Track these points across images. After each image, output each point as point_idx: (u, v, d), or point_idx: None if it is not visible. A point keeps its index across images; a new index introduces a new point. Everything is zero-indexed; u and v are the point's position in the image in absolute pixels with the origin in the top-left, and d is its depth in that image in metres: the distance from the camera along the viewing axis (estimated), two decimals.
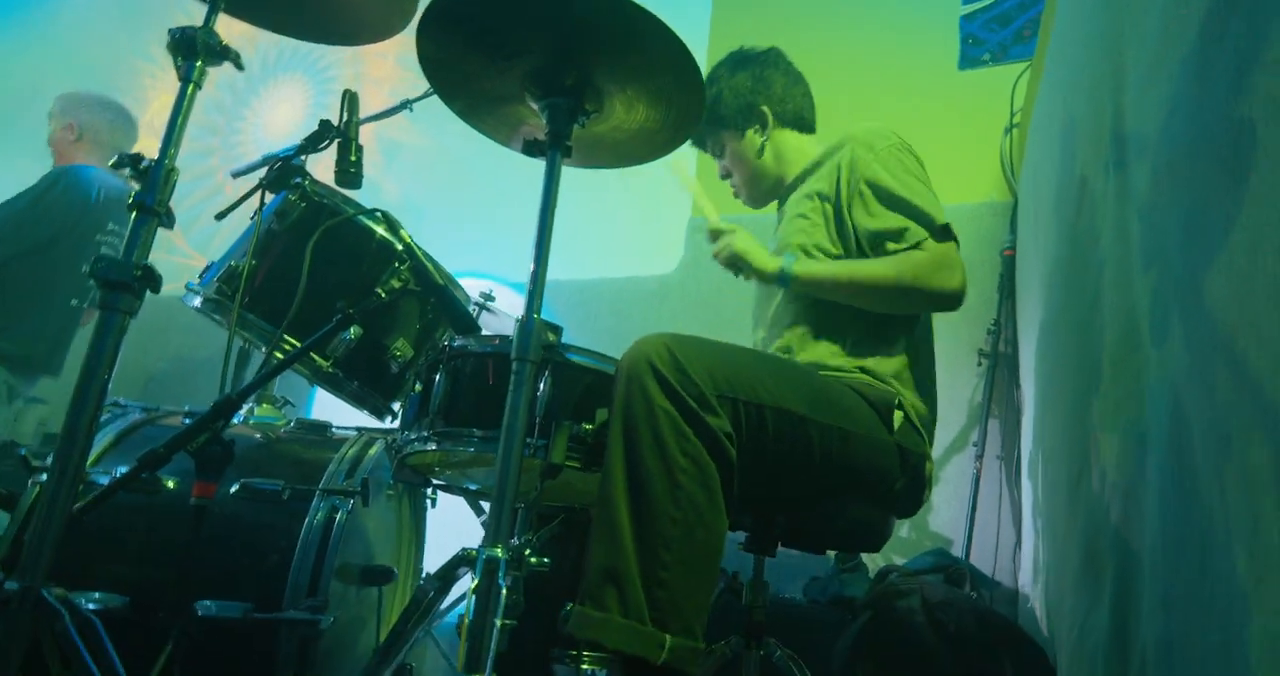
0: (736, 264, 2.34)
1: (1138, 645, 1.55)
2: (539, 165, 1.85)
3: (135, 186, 1.71)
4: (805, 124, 2.78)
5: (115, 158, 1.77)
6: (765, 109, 2.71)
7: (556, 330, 1.78)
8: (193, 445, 1.80)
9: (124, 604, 1.87)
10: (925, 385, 2.40)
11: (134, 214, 1.70)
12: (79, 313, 4.14)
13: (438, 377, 1.96)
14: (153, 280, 1.67)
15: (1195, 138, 1.22)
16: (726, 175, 2.82)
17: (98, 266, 1.62)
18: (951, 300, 2.21)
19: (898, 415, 2.19)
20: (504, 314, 3.09)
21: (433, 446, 1.92)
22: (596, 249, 4.87)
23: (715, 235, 2.42)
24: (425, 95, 2.82)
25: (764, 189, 2.77)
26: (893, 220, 2.26)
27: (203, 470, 1.82)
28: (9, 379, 3.92)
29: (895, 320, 2.36)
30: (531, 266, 1.77)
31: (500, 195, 4.97)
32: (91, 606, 1.81)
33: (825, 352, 2.34)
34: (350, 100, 2.20)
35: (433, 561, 2.26)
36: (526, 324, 1.70)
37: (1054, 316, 2.66)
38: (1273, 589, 0.96)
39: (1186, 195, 1.26)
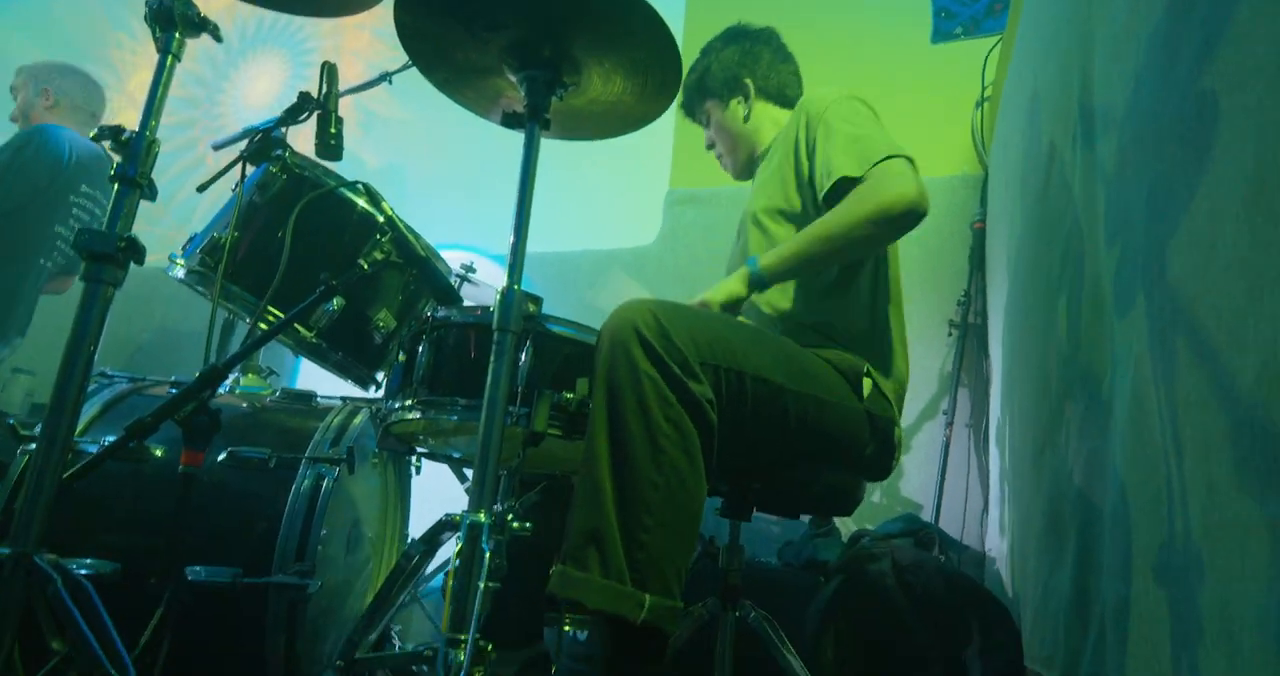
0: (725, 307, 2.22)
1: (1098, 606, 1.57)
2: (519, 137, 1.84)
3: (116, 158, 1.70)
4: (787, 99, 2.79)
5: (97, 129, 1.75)
6: (749, 81, 2.74)
7: (537, 301, 1.79)
8: (180, 414, 1.80)
9: (115, 569, 1.87)
10: (895, 354, 2.42)
11: (116, 186, 1.69)
12: (46, 272, 4.09)
13: (421, 348, 1.96)
14: (136, 251, 1.66)
15: (1160, 111, 1.22)
16: (711, 145, 2.84)
17: (81, 239, 1.61)
18: (909, 213, 2.12)
19: (866, 383, 2.21)
20: (485, 285, 3.09)
21: (416, 415, 1.92)
22: (576, 221, 4.86)
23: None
24: (405, 67, 2.80)
25: (744, 158, 2.79)
26: (841, 155, 2.23)
27: (190, 439, 1.82)
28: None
29: (864, 291, 2.38)
30: (511, 238, 1.77)
31: (481, 167, 4.96)
32: (83, 571, 1.81)
33: (794, 327, 2.35)
34: (329, 72, 2.18)
35: (418, 527, 2.26)
36: (508, 295, 1.71)
37: (1022, 287, 2.67)
38: (1225, 554, 0.98)
39: (1151, 167, 1.27)
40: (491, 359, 1.69)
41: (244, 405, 2.40)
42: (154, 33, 1.79)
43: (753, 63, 2.76)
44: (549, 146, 1.92)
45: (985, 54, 4.19)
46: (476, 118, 2.08)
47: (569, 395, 1.86)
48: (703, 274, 4.37)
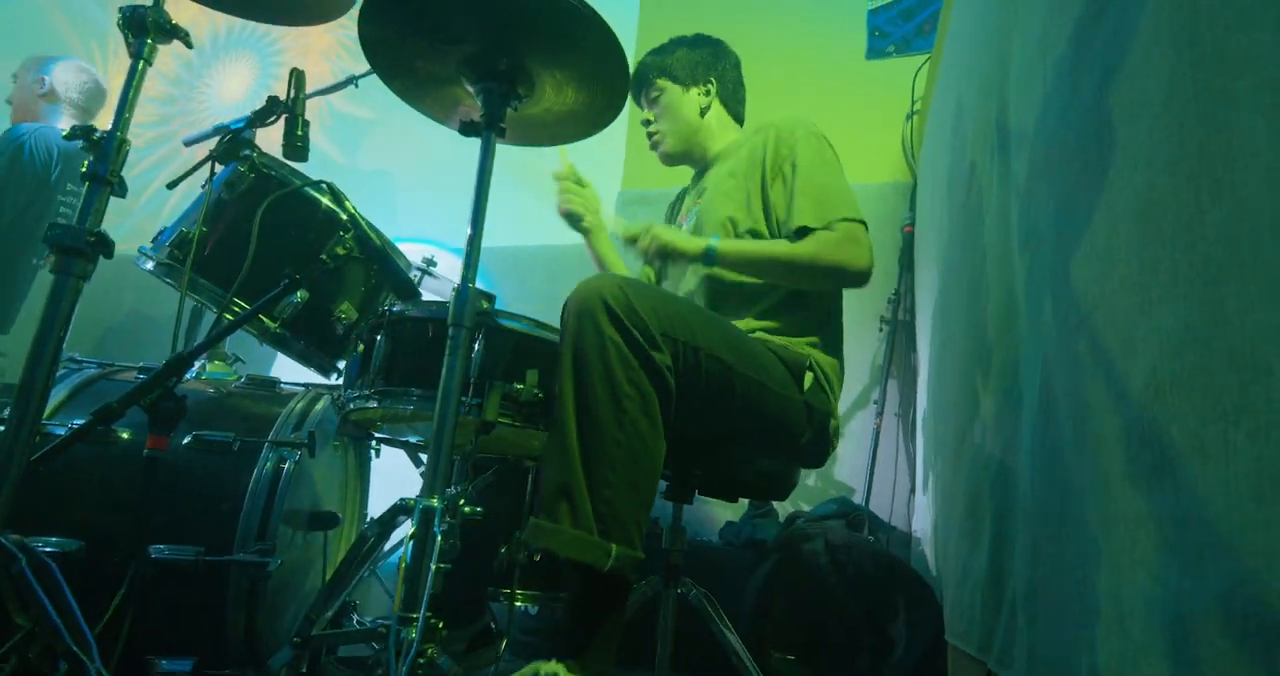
0: (665, 252, 2.31)
1: (1010, 586, 1.60)
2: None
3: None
4: (738, 114, 2.82)
5: (69, 129, 1.74)
6: (714, 80, 2.75)
7: (490, 297, 1.80)
8: (146, 400, 1.79)
9: (80, 547, 1.86)
10: (834, 349, 2.45)
11: (87, 183, 1.68)
12: (35, 271, 4.04)
13: (379, 339, 1.96)
14: (105, 246, 1.67)
15: (1065, 134, 1.25)
16: (648, 122, 2.80)
17: (52, 233, 1.61)
18: (859, 277, 2.26)
19: (808, 376, 2.25)
20: (445, 278, 3.08)
21: (374, 404, 1.92)
22: (533, 217, 4.84)
23: (632, 238, 2.37)
24: (370, 72, 2.80)
25: (683, 146, 2.76)
26: (809, 203, 2.30)
27: (155, 423, 1.80)
28: None
29: (809, 293, 2.41)
30: (469, 233, 1.78)
31: (444, 165, 4.92)
32: (49, 549, 1.80)
33: (742, 323, 2.36)
34: (297, 78, 2.17)
35: (377, 508, 2.27)
36: (462, 292, 1.72)
37: (947, 288, 2.70)
38: (1117, 543, 1.01)
39: (1057, 184, 1.29)
40: (446, 352, 1.70)
41: (210, 390, 2.38)
42: (126, 39, 1.78)
43: (720, 66, 2.77)
44: (508, 145, 1.94)
45: (915, 71, 4.27)
46: None
47: (519, 386, 1.87)
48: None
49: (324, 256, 2.17)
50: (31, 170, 3.87)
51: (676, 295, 2.12)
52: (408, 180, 5.33)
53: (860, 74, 4.56)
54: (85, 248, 1.63)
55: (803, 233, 2.27)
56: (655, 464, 1.79)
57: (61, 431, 2.04)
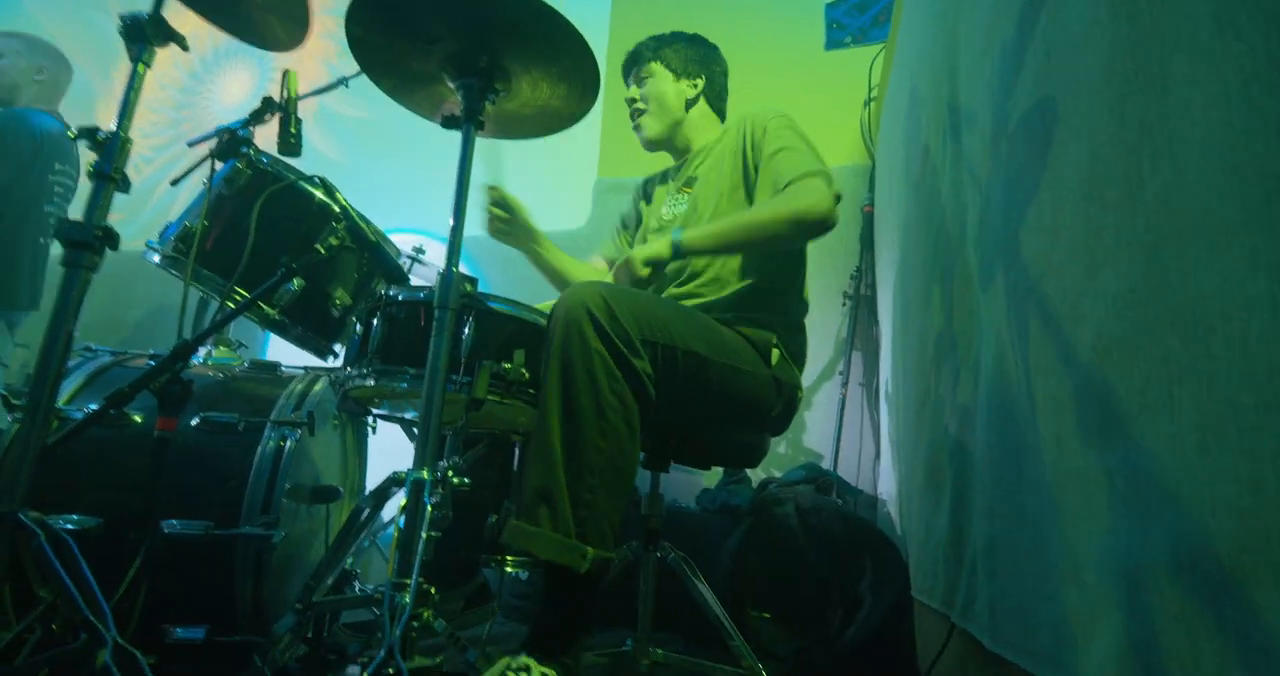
0: (651, 263, 2.17)
1: (970, 543, 1.59)
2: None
3: (94, 155, 1.67)
4: (721, 113, 2.79)
5: (76, 130, 1.71)
6: (704, 76, 2.71)
7: (473, 281, 1.78)
8: (155, 384, 1.77)
9: (98, 524, 1.84)
10: (798, 326, 2.45)
11: (94, 180, 1.65)
12: (47, 248, 3.96)
13: (375, 322, 1.93)
14: (112, 239, 1.63)
15: (1011, 112, 1.23)
16: (634, 101, 2.73)
17: (62, 228, 1.59)
18: (820, 223, 2.15)
19: (775, 352, 2.25)
20: (433, 265, 3.05)
21: (371, 382, 1.89)
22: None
23: (627, 275, 2.20)
24: (359, 73, 2.76)
25: (665, 133, 2.71)
26: (771, 174, 2.29)
27: (165, 406, 1.78)
28: (5, 313, 3.79)
29: (773, 275, 2.40)
30: (451, 223, 1.76)
31: (430, 158, 4.89)
32: (69, 526, 1.78)
33: (713, 307, 2.35)
34: (289, 79, 2.14)
35: (375, 481, 2.24)
36: (446, 276, 1.71)
37: (906, 263, 2.69)
38: (1071, 500, 0.99)
39: (1006, 161, 1.27)
40: (433, 333, 1.68)
41: (215, 375, 2.34)
42: (127, 44, 1.75)
43: (711, 67, 2.73)
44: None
45: (871, 60, 4.26)
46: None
47: (507, 366, 1.84)
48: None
49: (318, 246, 2.14)
50: (14, 152, 3.76)
51: (654, 296, 2.10)
52: (397, 174, 5.28)
53: (818, 64, 4.54)
54: (93, 241, 1.60)
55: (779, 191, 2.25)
56: (632, 468, 1.79)
57: (78, 415, 2.01)
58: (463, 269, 1.77)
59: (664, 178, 2.84)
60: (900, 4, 3.23)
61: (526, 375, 1.85)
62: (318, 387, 2.34)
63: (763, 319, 2.33)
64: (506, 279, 4.27)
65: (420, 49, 1.82)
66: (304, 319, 2.26)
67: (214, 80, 6.10)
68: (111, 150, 1.67)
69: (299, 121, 2.14)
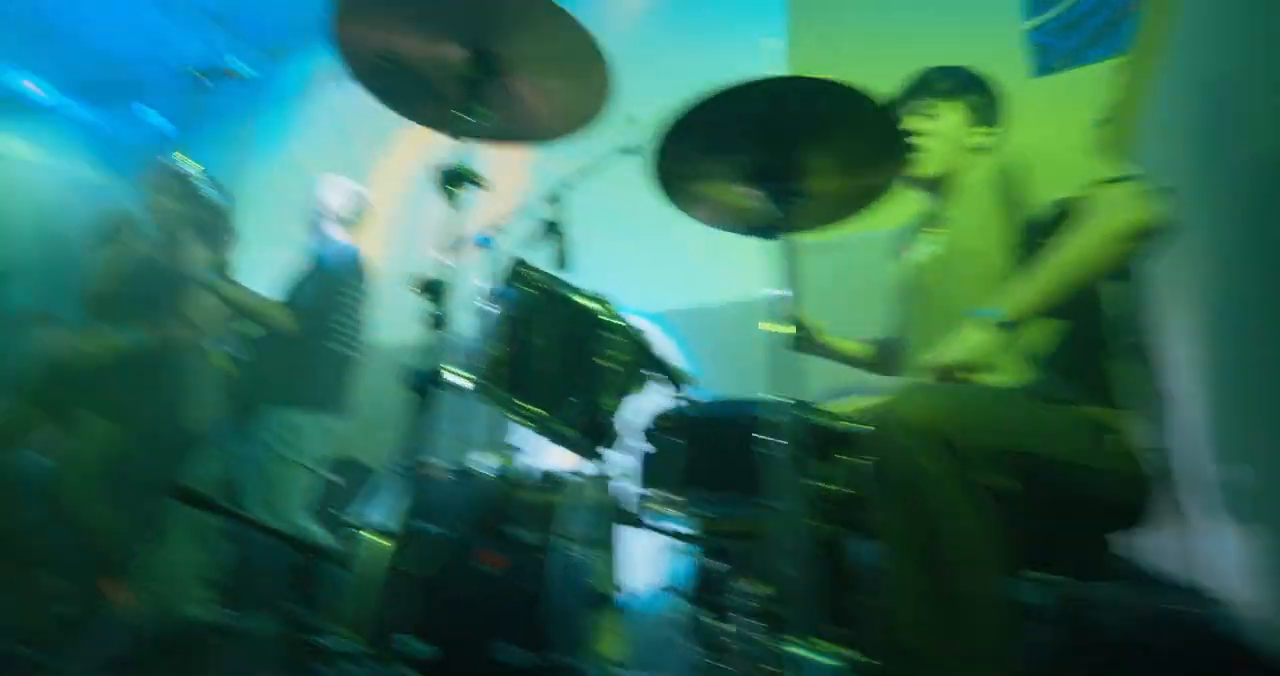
0: (967, 368, 1.85)
1: None
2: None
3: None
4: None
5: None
6: (989, 132, 2.46)
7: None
8: None
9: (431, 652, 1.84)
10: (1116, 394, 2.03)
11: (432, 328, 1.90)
12: (350, 360, 4.16)
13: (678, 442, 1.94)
14: (440, 381, 1.87)
15: None
16: (916, 134, 2.37)
17: (411, 376, 1.84)
18: (1149, 227, 1.83)
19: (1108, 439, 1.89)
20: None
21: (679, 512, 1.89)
22: (699, 274, 4.66)
23: (945, 372, 1.87)
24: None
25: (935, 172, 2.42)
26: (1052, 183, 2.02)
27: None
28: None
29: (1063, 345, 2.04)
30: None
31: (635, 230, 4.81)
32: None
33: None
34: (558, 201, 2.25)
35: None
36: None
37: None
38: None
39: None
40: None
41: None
42: (444, 188, 2.00)
43: (998, 125, 2.49)
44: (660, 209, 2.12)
45: (1093, 80, 3.95)
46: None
47: (832, 488, 1.73)
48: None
49: (606, 363, 2.18)
50: (351, 283, 4.14)
51: (985, 391, 1.87)
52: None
53: (1021, 91, 4.29)
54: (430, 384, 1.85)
55: (1059, 207, 1.96)
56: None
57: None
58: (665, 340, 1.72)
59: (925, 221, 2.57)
60: (1166, 10, 3.01)
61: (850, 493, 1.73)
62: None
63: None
64: (707, 352, 4.12)
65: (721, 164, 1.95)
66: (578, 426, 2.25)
67: None
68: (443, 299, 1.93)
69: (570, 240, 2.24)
